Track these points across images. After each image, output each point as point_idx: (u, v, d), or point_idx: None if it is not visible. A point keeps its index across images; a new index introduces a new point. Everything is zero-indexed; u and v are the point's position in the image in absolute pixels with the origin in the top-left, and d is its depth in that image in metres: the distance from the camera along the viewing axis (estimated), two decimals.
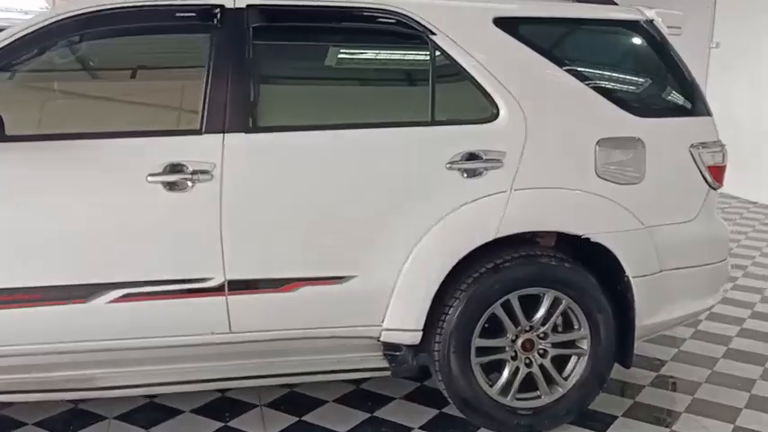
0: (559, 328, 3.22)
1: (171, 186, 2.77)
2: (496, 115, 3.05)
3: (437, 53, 3.04)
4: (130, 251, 2.80)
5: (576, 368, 3.22)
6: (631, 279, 3.16)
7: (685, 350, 4.13)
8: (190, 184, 2.78)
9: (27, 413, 3.20)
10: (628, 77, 3.35)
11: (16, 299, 2.76)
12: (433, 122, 3.03)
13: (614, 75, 3.31)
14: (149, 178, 2.75)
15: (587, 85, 3.15)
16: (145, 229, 2.80)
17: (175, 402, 3.35)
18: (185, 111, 2.91)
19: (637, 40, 3.30)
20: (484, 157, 3.00)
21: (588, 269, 3.16)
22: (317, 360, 3.10)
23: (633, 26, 3.28)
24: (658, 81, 3.36)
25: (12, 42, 2.76)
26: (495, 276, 3.06)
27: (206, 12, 2.89)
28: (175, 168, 2.77)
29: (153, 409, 3.32)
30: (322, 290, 2.96)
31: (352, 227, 2.96)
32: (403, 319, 3.03)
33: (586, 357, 3.21)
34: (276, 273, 2.92)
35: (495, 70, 3.05)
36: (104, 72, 3.00)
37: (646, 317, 3.23)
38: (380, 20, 3.01)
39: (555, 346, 3.20)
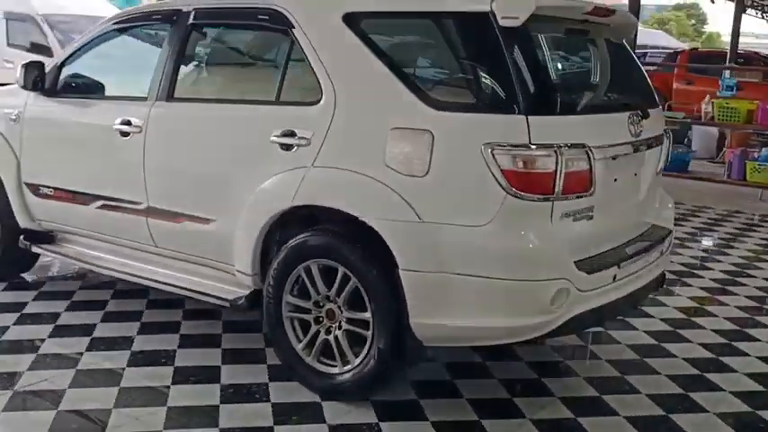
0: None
1: (122, 134, 4.03)
2: (320, 100, 3.39)
3: (292, 44, 3.54)
4: (104, 175, 4.17)
5: (365, 349, 3.31)
6: (400, 271, 3.12)
7: None
8: (130, 134, 3.99)
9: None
10: (439, 69, 3.21)
11: (61, 197, 4.40)
12: (277, 102, 3.57)
13: (427, 66, 3.21)
14: (114, 127, 4.05)
15: (398, 76, 3.19)
16: (111, 161, 4.13)
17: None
18: (147, 85, 4.06)
19: (461, 32, 3.12)
20: (297, 135, 3.40)
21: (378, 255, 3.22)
22: (198, 281, 3.93)
23: (460, 17, 3.12)
24: (471, 74, 3.10)
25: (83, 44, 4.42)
26: (299, 242, 3.43)
27: (170, 15, 4.02)
28: (124, 122, 4.01)
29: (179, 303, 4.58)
30: (197, 227, 3.82)
31: (212, 179, 3.73)
32: (239, 264, 3.66)
33: (369, 340, 3.28)
34: (172, 207, 3.91)
35: (327, 62, 3.40)
36: (117, 57, 4.42)
37: (419, 315, 3.13)
38: (261, 16, 3.66)
39: (348, 321, 3.36)
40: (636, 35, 9.31)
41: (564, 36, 3.53)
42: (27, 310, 4.40)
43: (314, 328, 3.47)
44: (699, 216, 7.97)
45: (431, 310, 3.12)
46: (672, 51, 16.55)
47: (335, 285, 3.36)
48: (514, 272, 3.00)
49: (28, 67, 4.36)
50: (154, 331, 4.14)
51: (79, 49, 4.42)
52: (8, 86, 4.74)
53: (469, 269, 3.04)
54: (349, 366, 3.38)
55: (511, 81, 2.99)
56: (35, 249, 4.59)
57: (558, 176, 2.97)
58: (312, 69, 3.44)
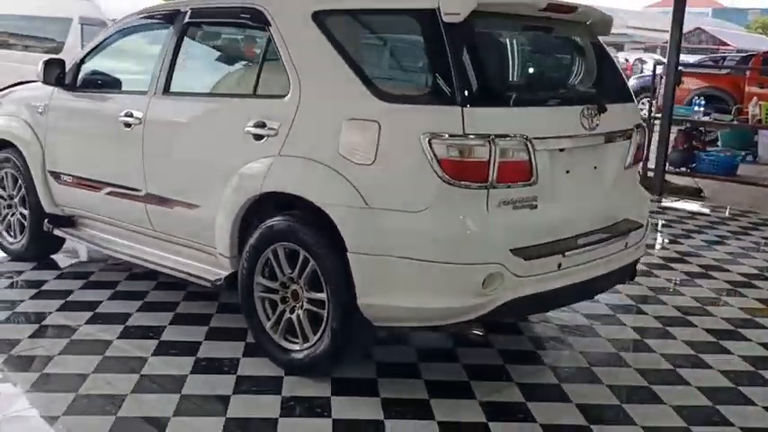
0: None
1: (126, 125, 4.35)
2: (288, 93, 3.61)
3: (268, 40, 3.77)
4: (111, 163, 4.50)
5: (320, 328, 3.50)
6: (349, 254, 3.30)
7: None
8: (132, 125, 4.31)
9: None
10: (392, 63, 3.36)
11: (78, 184, 4.78)
12: (254, 95, 3.81)
13: (382, 60, 3.35)
14: (119, 119, 4.38)
15: (354, 70, 3.38)
16: (117, 151, 4.46)
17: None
18: (148, 79, 4.38)
19: (412, 28, 3.28)
20: (267, 126, 3.63)
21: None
22: (186, 263, 4.20)
23: (411, 14, 3.28)
24: (418, 68, 3.24)
25: (100, 42, 4.77)
26: (267, 227, 3.65)
27: (171, 14, 4.32)
28: (128, 114, 4.33)
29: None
30: (186, 212, 4.10)
31: (197, 167, 4.00)
32: (220, 247, 3.91)
33: (324, 319, 3.47)
34: (165, 193, 4.20)
35: (295, 56, 3.62)
36: (127, 55, 4.74)
37: (366, 296, 3.30)
38: (244, 15, 3.92)
39: (309, 301, 3.56)
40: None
41: (524, 32, 3.63)
42: (45, 287, 4.79)
43: (280, 308, 3.69)
44: (737, 220, 7.81)
45: (376, 291, 3.29)
46: (745, 54, 16.04)
47: (298, 267, 3.58)
48: (448, 255, 3.14)
49: (48, 63, 4.75)
50: (152, 309, 4.44)
51: (97, 47, 4.79)
52: (38, 82, 5.15)
53: (409, 252, 3.19)
54: (307, 344, 3.58)
55: (450, 74, 3.14)
56: (57, 232, 4.98)
57: (492, 165, 3.10)
58: (283, 64, 3.66)
